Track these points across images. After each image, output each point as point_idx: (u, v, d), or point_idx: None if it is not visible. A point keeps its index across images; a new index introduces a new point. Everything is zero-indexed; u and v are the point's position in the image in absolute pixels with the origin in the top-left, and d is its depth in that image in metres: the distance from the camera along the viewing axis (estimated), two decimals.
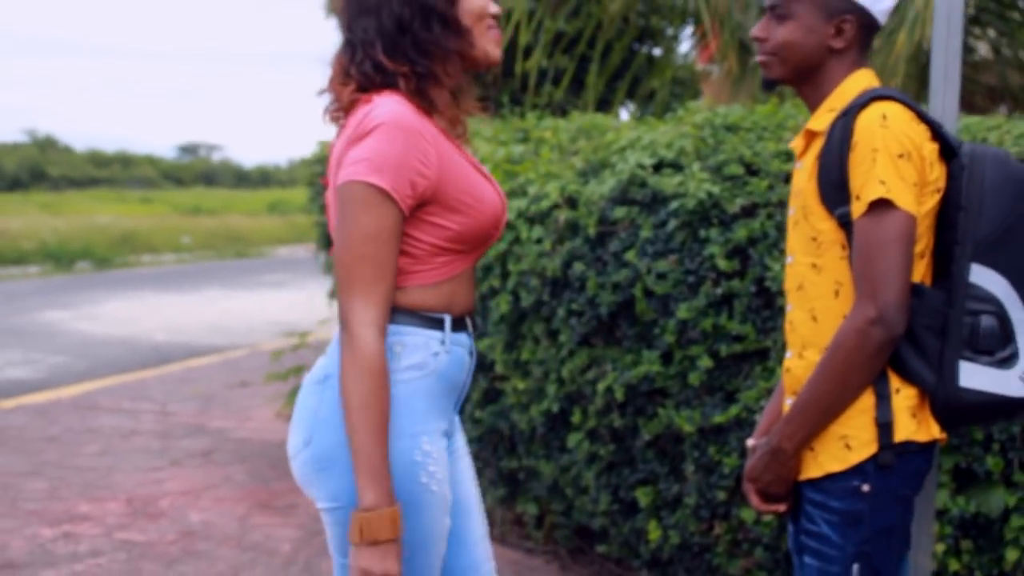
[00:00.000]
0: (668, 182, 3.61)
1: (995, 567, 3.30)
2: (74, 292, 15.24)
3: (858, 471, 2.19)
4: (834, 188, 2.18)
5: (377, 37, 2.12)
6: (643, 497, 3.81)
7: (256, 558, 4.60)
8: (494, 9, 2.21)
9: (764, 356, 3.50)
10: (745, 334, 3.47)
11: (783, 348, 3.40)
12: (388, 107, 2.05)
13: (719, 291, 3.50)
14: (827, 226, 2.22)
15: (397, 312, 2.11)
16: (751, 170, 3.59)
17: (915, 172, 2.13)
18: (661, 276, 3.59)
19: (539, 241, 3.99)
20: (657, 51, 8.41)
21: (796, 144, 2.38)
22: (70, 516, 5.10)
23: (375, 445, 2.00)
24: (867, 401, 2.19)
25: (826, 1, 2.27)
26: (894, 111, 2.15)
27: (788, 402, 2.33)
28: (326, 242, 6.11)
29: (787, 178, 3.50)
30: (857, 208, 2.14)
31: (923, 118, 2.20)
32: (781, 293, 3.39)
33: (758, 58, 2.36)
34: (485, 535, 2.40)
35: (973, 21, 6.15)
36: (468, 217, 2.13)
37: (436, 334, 2.15)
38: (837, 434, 2.21)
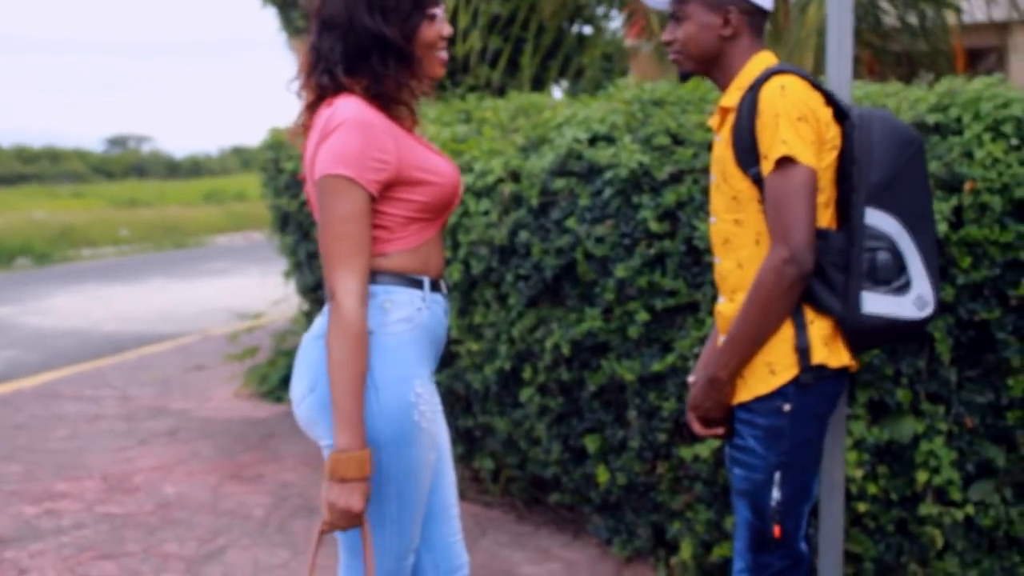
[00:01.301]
0: (602, 154, 3.94)
1: (908, 489, 3.67)
2: (18, 288, 15.30)
3: (781, 393, 2.55)
4: (746, 152, 2.53)
5: (340, 57, 2.44)
6: (591, 444, 4.15)
7: (232, 523, 4.90)
8: (446, 32, 2.54)
9: (695, 308, 3.85)
10: (677, 289, 3.83)
11: (712, 300, 3.76)
12: (347, 107, 2.39)
13: (652, 251, 3.84)
14: (744, 185, 2.57)
15: (384, 274, 2.45)
16: (677, 140, 3.94)
17: (812, 132, 2.48)
18: (599, 240, 3.93)
19: (486, 213, 4.31)
20: (587, 30, 8.72)
21: (713, 121, 2.74)
22: (50, 495, 5.35)
23: (351, 396, 2.32)
24: (787, 331, 2.54)
25: None
26: (791, 82, 2.50)
27: (722, 339, 2.67)
28: (282, 225, 6.39)
29: (709, 147, 3.85)
30: (766, 166, 2.49)
31: (817, 87, 2.55)
32: (708, 251, 3.75)
33: (670, 57, 2.72)
34: (454, 483, 2.72)
35: None
36: (429, 189, 2.47)
37: (418, 292, 2.48)
38: (763, 361, 2.56)
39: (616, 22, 9.22)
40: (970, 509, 3.62)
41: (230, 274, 16.58)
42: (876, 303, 2.55)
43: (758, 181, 2.54)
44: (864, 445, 3.60)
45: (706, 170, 3.79)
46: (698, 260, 3.81)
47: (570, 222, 3.98)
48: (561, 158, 4.04)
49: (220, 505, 5.15)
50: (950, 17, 7.31)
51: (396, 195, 2.43)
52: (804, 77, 2.54)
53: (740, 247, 2.61)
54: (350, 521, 2.35)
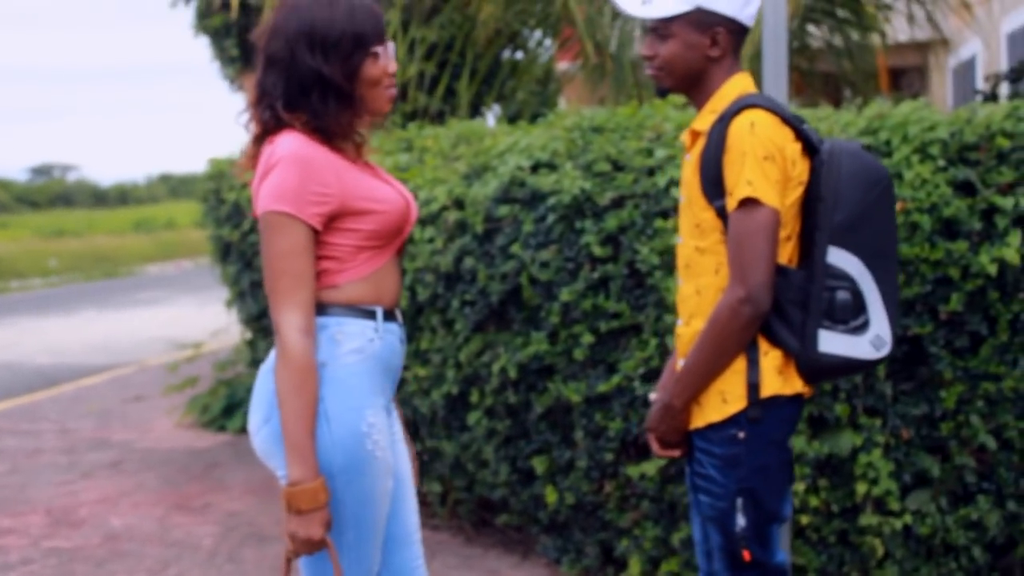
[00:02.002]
0: (545, 181, 4.03)
1: (848, 500, 3.79)
2: None
3: (734, 421, 2.57)
4: (712, 184, 2.53)
5: (280, 93, 2.47)
6: (539, 465, 4.23)
7: (181, 553, 4.90)
8: (391, 69, 2.55)
9: (639, 330, 3.95)
10: (621, 312, 3.92)
11: (656, 321, 3.86)
12: (286, 144, 2.42)
13: (596, 275, 3.94)
14: (708, 215, 2.58)
15: (335, 306, 2.49)
16: (617, 166, 4.04)
17: (778, 171, 2.48)
18: (544, 265, 4.01)
19: (431, 240, 4.38)
20: (519, 55, 8.81)
21: (685, 139, 2.73)
22: None
23: (301, 428, 2.36)
24: (740, 364, 2.56)
25: (698, 17, 2.57)
26: (761, 118, 2.49)
27: (680, 363, 2.69)
28: (223, 255, 6.40)
29: (649, 171, 3.96)
30: (730, 203, 2.50)
31: (787, 121, 2.53)
32: (651, 273, 3.85)
33: (648, 72, 2.70)
34: (415, 509, 2.76)
35: (806, 19, 6.71)
36: (376, 218, 2.50)
37: (370, 323, 2.52)
38: (717, 390, 2.58)
39: (548, 47, 9.36)
40: (908, 518, 3.75)
41: (163, 303, 16.49)
42: (832, 342, 2.56)
43: (722, 214, 2.55)
44: (805, 459, 3.70)
45: (647, 195, 3.89)
46: (641, 283, 3.90)
47: (515, 248, 4.06)
48: (504, 185, 4.12)
49: (168, 536, 5.15)
50: (874, 38, 7.52)
51: (343, 226, 2.47)
52: (775, 111, 2.53)
53: (700, 274, 2.62)
54: (312, 548, 2.40)
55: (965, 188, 3.66)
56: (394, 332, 2.58)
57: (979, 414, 3.71)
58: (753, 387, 2.55)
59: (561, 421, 4.19)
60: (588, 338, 3.95)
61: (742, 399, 2.57)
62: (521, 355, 4.10)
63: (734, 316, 2.49)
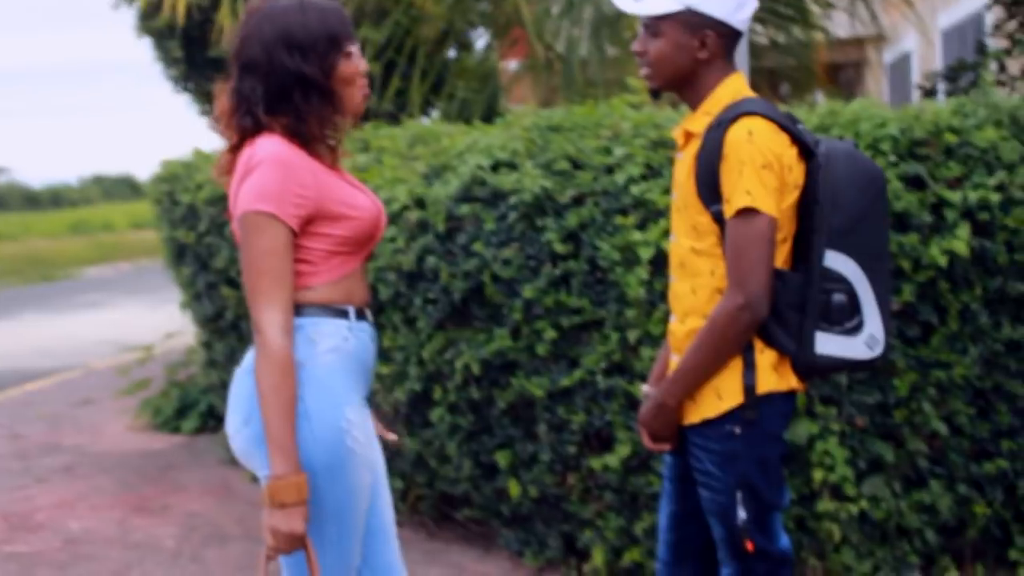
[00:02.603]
0: (506, 180, 4.10)
1: (805, 487, 3.89)
2: None
3: (729, 417, 2.60)
4: (709, 189, 2.55)
5: (261, 98, 2.52)
6: (502, 459, 4.29)
7: (144, 555, 4.91)
8: (363, 68, 2.63)
9: (600, 325, 4.02)
10: (582, 307, 3.99)
11: (617, 316, 3.94)
12: (267, 147, 2.47)
13: (557, 271, 4.01)
14: (704, 219, 2.60)
15: (309, 307, 2.54)
16: (576, 165, 4.11)
17: (776, 179, 2.51)
18: (506, 262, 4.08)
19: (393, 240, 4.43)
20: (454, 54, 8.86)
21: (677, 136, 2.73)
22: None
23: (283, 424, 2.40)
24: (736, 363, 2.59)
25: (688, 19, 2.58)
26: (759, 126, 2.50)
27: (673, 358, 2.74)
28: (178, 257, 6.39)
29: (608, 169, 4.03)
30: (728, 210, 2.52)
31: (783, 126, 2.54)
32: (611, 269, 3.93)
33: (641, 71, 2.70)
34: (390, 502, 2.82)
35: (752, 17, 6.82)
36: (350, 223, 2.56)
37: (343, 322, 2.58)
38: (712, 386, 2.61)
39: (482, 42, 9.44)
40: (864, 503, 3.86)
41: (105, 306, 16.33)
42: (829, 344, 2.59)
43: (718, 218, 2.57)
44: None
45: (606, 192, 3.97)
46: (602, 279, 3.98)
47: (477, 246, 4.12)
48: (466, 185, 4.18)
49: (129, 538, 5.15)
50: (816, 35, 7.67)
51: (317, 230, 2.52)
52: (771, 118, 2.54)
53: (696, 274, 2.64)
54: (293, 544, 2.43)
55: (915, 183, 3.78)
56: (366, 331, 2.64)
57: (931, 401, 3.83)
58: (750, 389, 2.58)
59: (524, 416, 4.26)
60: (550, 334, 4.02)
61: (737, 395, 2.59)
62: (484, 351, 4.16)
63: (732, 322, 2.52)
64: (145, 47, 11.21)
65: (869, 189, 2.59)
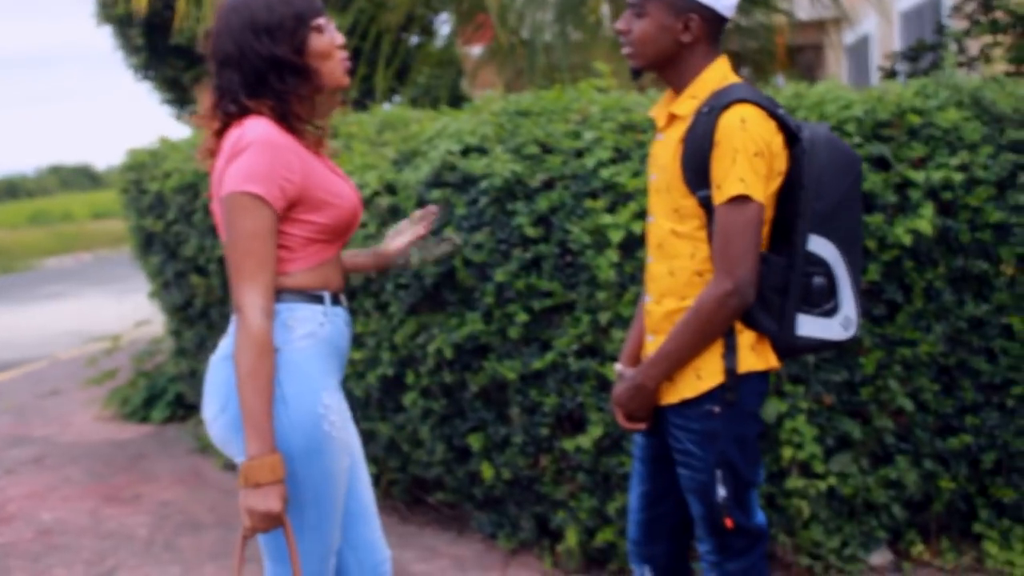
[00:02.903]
0: (476, 164, 4.12)
1: (775, 465, 3.95)
2: None
3: (708, 397, 2.63)
4: (697, 174, 2.57)
5: (240, 87, 2.56)
6: (475, 442, 4.33)
7: (117, 544, 4.92)
8: (340, 40, 2.66)
9: (571, 308, 4.06)
10: (554, 290, 4.03)
11: (588, 299, 3.97)
12: (257, 128, 2.50)
13: (528, 255, 4.04)
14: (689, 202, 2.61)
15: (287, 293, 2.57)
16: (546, 149, 4.14)
17: (766, 166, 2.54)
18: (478, 247, 4.11)
19: (364, 225, 4.44)
20: (417, 40, 8.87)
21: (658, 116, 2.74)
22: None
23: (260, 405, 2.43)
24: (717, 346, 2.62)
25: (674, 1, 2.59)
26: (751, 114, 2.51)
27: (648, 339, 2.77)
28: (146, 246, 6.37)
29: (578, 153, 4.07)
30: (718, 196, 2.54)
31: (772, 114, 2.56)
32: (582, 252, 3.96)
33: (623, 50, 2.71)
34: (369, 484, 2.85)
35: None
36: (331, 212, 2.59)
37: (319, 308, 2.61)
38: (692, 367, 2.64)
39: (446, 28, 9.44)
40: (832, 480, 3.92)
41: (68, 297, 16.22)
42: (808, 325, 2.64)
43: (704, 203, 2.59)
44: None
45: (576, 176, 4.00)
46: (572, 262, 4.02)
47: (448, 231, 4.14)
48: (436, 170, 4.20)
49: (102, 528, 5.15)
50: (779, 18, 7.73)
51: (298, 216, 2.54)
52: (762, 105, 2.56)
53: (675, 256, 2.66)
54: (270, 523, 2.45)
55: (880, 163, 3.84)
56: (340, 315, 2.67)
57: (897, 378, 3.90)
58: (731, 372, 2.61)
59: (496, 399, 4.30)
60: (522, 317, 4.06)
61: (716, 375, 2.62)
62: (456, 335, 4.19)
63: (720, 307, 2.54)
64: (105, 35, 11.11)
65: (848, 174, 2.64)
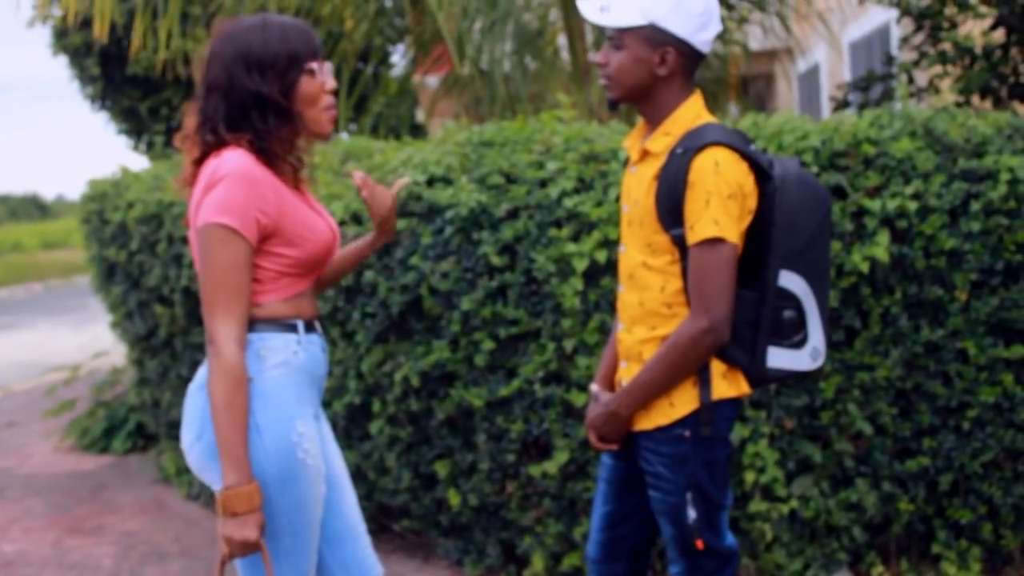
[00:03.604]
0: (442, 194, 4.18)
1: (738, 489, 4.02)
2: None
3: (680, 423, 2.69)
4: (671, 213, 2.63)
5: (222, 118, 2.58)
6: (441, 469, 4.37)
7: (82, 575, 4.90)
8: (330, 86, 2.66)
9: (537, 335, 4.12)
10: (519, 318, 4.09)
11: (553, 326, 4.03)
12: (234, 160, 2.52)
13: (494, 283, 4.10)
14: (661, 239, 2.67)
15: (259, 323, 2.59)
16: (510, 179, 4.21)
17: (739, 208, 2.60)
18: (444, 275, 4.16)
19: None
20: (369, 69, 8.92)
21: (631, 148, 2.80)
22: None
23: (236, 435, 2.46)
24: (692, 379, 2.68)
25: (650, 34, 2.63)
26: (724, 157, 2.58)
27: (622, 364, 2.82)
28: (107, 276, 6.37)
29: (542, 183, 4.13)
30: (692, 237, 2.60)
31: (744, 154, 2.62)
32: (547, 280, 4.02)
33: (601, 81, 2.75)
34: (355, 504, 2.87)
35: None
36: (304, 247, 2.62)
37: (292, 336, 2.63)
38: (665, 395, 2.70)
39: (400, 58, 9.49)
40: (794, 503, 4.00)
41: (20, 328, 16.04)
42: (779, 358, 2.71)
43: (678, 241, 2.64)
44: None
45: (540, 206, 4.07)
46: (537, 290, 4.08)
47: (414, 260, 4.19)
48: (402, 200, 4.26)
49: (66, 559, 5.13)
50: (733, 49, 7.86)
51: (271, 249, 2.57)
52: (734, 147, 2.61)
53: (646, 288, 2.72)
54: (247, 551, 2.48)
55: (837, 192, 3.94)
56: (315, 343, 2.70)
57: (855, 403, 3.98)
58: (706, 405, 2.67)
59: (463, 426, 4.34)
60: (488, 344, 4.11)
61: (689, 403, 2.68)
62: (423, 363, 4.23)
63: (695, 345, 2.60)
64: (60, 66, 11.08)
65: (818, 211, 2.70)
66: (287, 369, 2.61)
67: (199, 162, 2.61)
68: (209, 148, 2.59)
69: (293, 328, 2.64)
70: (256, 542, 2.47)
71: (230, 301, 2.49)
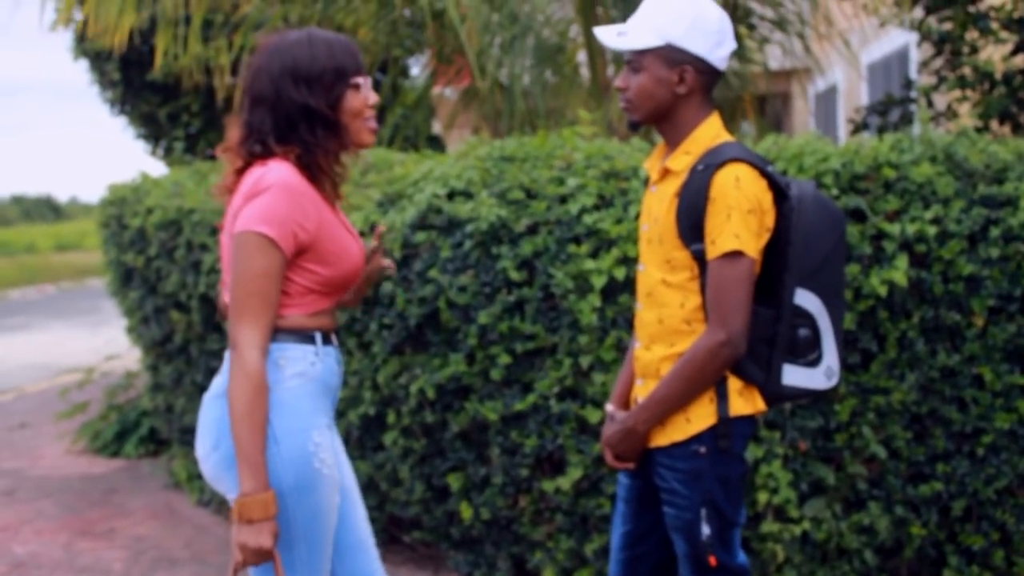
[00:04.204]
0: (462, 208, 4.20)
1: (750, 509, 4.02)
2: None
3: (696, 438, 2.71)
4: (692, 229, 2.66)
5: (271, 129, 2.61)
6: (454, 482, 4.38)
7: None
8: (372, 100, 2.70)
9: (553, 351, 4.13)
10: (536, 333, 4.10)
11: (569, 342, 4.05)
12: (279, 172, 2.55)
13: (512, 298, 4.11)
14: (681, 255, 2.70)
15: (280, 333, 2.61)
16: (530, 194, 4.23)
17: (758, 223, 2.64)
18: (462, 289, 4.18)
19: None
20: (388, 80, 8.96)
21: (652, 169, 2.85)
22: None
23: (254, 443, 2.48)
24: (708, 393, 2.70)
25: (668, 54, 2.68)
26: (745, 173, 2.62)
27: (639, 383, 2.84)
28: (125, 281, 6.39)
29: (562, 199, 4.15)
30: (712, 251, 2.63)
31: (763, 172, 2.66)
32: (565, 297, 4.04)
33: (621, 105, 2.80)
34: (365, 515, 2.89)
35: None
36: (335, 267, 2.65)
37: (311, 348, 2.66)
38: (681, 411, 2.72)
39: (418, 69, 9.52)
40: (806, 525, 4.00)
41: (33, 329, 16.11)
42: (793, 375, 2.74)
43: (698, 257, 2.68)
44: None
45: (560, 222, 4.08)
46: (555, 306, 4.09)
47: (433, 272, 4.21)
48: (422, 212, 4.28)
49: (76, 562, 5.15)
50: (752, 68, 7.87)
51: (304, 264, 2.60)
52: (753, 164, 2.65)
53: (664, 305, 2.75)
54: (260, 558, 2.50)
55: (856, 215, 3.95)
56: (332, 354, 2.72)
57: (870, 426, 3.99)
58: (723, 420, 2.69)
59: (477, 439, 4.35)
60: (505, 359, 4.12)
61: (705, 419, 2.70)
62: (439, 376, 4.25)
63: (713, 358, 2.63)
64: (80, 69, 11.14)
65: (834, 231, 2.74)
66: (304, 379, 2.63)
67: (242, 171, 2.64)
68: (254, 158, 2.62)
69: (311, 339, 2.66)
70: (270, 550, 2.49)
71: (258, 309, 2.52)
